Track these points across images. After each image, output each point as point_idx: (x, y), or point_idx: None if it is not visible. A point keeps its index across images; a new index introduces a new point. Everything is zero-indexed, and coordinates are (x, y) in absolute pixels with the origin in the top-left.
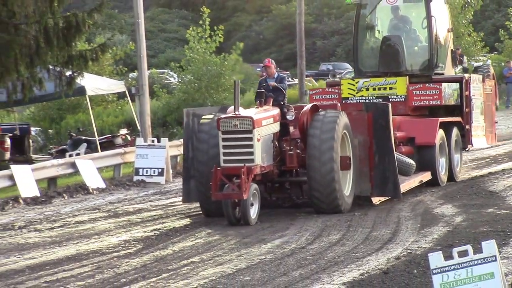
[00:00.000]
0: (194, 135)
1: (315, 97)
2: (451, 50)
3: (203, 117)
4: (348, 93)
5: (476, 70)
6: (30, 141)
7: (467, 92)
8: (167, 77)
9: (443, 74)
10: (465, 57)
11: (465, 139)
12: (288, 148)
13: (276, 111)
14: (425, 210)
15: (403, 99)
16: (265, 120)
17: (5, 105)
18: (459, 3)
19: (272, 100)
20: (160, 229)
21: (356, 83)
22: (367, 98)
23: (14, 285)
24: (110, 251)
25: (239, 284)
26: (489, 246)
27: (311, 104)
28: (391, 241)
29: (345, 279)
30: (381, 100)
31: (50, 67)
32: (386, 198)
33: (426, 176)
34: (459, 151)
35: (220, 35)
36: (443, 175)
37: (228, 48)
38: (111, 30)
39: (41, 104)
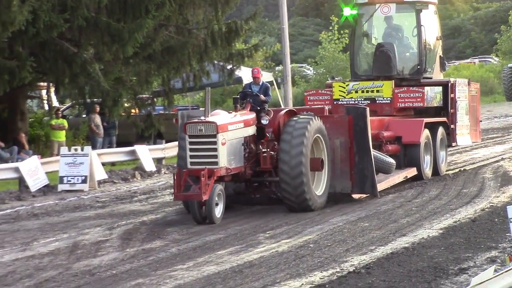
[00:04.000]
0: None
1: (310, 98)
2: (440, 56)
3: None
4: (339, 95)
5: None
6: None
7: (452, 95)
8: (305, 70)
9: (431, 78)
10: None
11: (450, 137)
12: (263, 150)
13: (251, 115)
14: (504, 173)
15: (388, 101)
16: (233, 125)
17: (180, 91)
18: None
19: (250, 105)
20: None
21: (347, 85)
22: (356, 99)
23: None
24: None
25: (359, 229)
26: None
27: (286, 109)
28: (477, 196)
29: (441, 225)
30: (368, 102)
31: (215, 62)
32: (366, 195)
33: (412, 172)
34: (444, 148)
35: (346, 38)
36: (427, 170)
37: None
38: (262, 33)
39: None
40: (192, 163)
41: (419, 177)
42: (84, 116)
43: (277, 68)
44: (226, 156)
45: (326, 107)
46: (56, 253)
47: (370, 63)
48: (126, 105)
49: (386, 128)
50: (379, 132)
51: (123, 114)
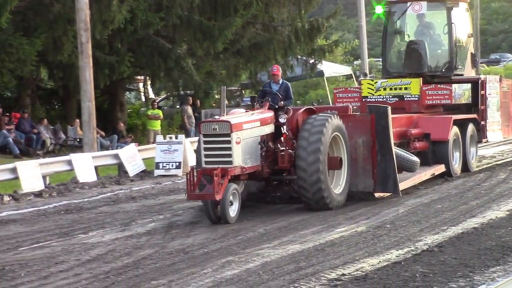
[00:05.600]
0: None
1: (339, 95)
2: (471, 53)
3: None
4: (368, 92)
5: None
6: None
7: (482, 92)
8: (381, 64)
9: (462, 75)
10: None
11: (481, 134)
12: (281, 148)
13: (269, 114)
14: None
15: (416, 98)
16: (248, 124)
17: None
18: None
19: (268, 104)
20: None
21: (375, 83)
22: (384, 97)
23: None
24: None
25: (432, 210)
26: None
27: (305, 107)
28: None
29: (509, 207)
30: (397, 99)
31: (299, 56)
32: (388, 194)
33: (440, 169)
34: (474, 144)
35: None
36: (456, 167)
37: None
38: (342, 30)
39: (292, 82)
40: (206, 162)
41: (447, 173)
42: (177, 107)
43: (355, 62)
44: (241, 155)
45: (351, 106)
46: (153, 233)
47: (402, 60)
48: (216, 96)
49: (414, 125)
50: (407, 129)
51: (214, 105)
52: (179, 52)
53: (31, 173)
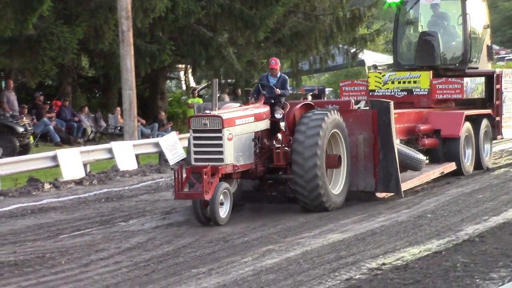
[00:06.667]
0: None
1: (345, 89)
2: (487, 45)
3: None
4: (375, 86)
5: None
6: (325, 98)
7: (498, 86)
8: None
9: (477, 68)
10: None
11: (495, 130)
12: (276, 146)
13: (264, 109)
14: None
15: (426, 92)
16: (241, 119)
17: (308, 72)
18: None
19: (264, 98)
20: None
21: (383, 76)
22: (392, 91)
23: None
24: None
25: (473, 200)
26: None
27: (303, 102)
28: None
29: None
30: (405, 93)
31: (340, 46)
32: (391, 194)
33: (449, 167)
34: (489, 141)
35: None
36: (468, 165)
37: None
38: (383, 19)
39: (333, 72)
40: (196, 160)
41: (458, 172)
42: (218, 95)
43: None
44: (233, 152)
45: (353, 100)
46: (193, 221)
47: (414, 52)
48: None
49: (424, 121)
50: (416, 125)
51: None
52: (220, 41)
53: (72, 161)
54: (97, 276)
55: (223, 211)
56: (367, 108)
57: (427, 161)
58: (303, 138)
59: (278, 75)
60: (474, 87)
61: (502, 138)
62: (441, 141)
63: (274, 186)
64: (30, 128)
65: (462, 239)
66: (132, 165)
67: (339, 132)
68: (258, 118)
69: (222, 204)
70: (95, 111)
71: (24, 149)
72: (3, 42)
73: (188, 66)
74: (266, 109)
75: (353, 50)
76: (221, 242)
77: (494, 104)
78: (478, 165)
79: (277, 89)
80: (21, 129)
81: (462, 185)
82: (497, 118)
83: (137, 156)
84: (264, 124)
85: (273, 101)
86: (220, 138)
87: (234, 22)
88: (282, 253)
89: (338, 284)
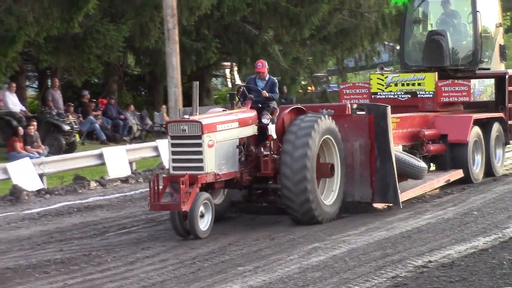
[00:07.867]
0: None
1: (345, 91)
2: (500, 45)
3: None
4: (377, 88)
5: None
6: None
7: (510, 88)
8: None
9: (489, 69)
10: None
11: (508, 134)
12: (264, 153)
13: (250, 114)
14: None
15: (431, 95)
16: (223, 125)
17: (353, 69)
18: None
19: (251, 102)
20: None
21: (385, 78)
22: (395, 93)
23: None
24: None
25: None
26: None
27: (292, 106)
28: None
29: None
30: (409, 96)
31: (385, 43)
32: (389, 204)
33: (456, 174)
34: (501, 146)
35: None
36: (477, 172)
37: None
38: None
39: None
40: (174, 168)
41: (467, 180)
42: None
43: None
44: (215, 160)
45: (349, 104)
46: (239, 220)
47: (421, 52)
48: (303, 82)
49: (430, 125)
50: (420, 130)
51: (300, 91)
52: (266, 38)
53: (118, 159)
54: (143, 274)
55: (204, 224)
56: (363, 113)
57: (433, 168)
58: (292, 149)
59: (267, 78)
60: (482, 89)
61: None
62: (448, 147)
63: (263, 196)
64: (76, 126)
65: (508, 236)
66: None
67: (332, 138)
68: (243, 123)
69: (202, 216)
70: (140, 109)
71: (70, 147)
72: (50, 40)
73: (234, 64)
74: (252, 113)
75: (398, 47)
76: (267, 240)
77: (507, 107)
78: (489, 171)
79: (264, 92)
80: (67, 127)
81: (508, 183)
82: (510, 122)
83: None
84: (251, 130)
85: (260, 105)
86: (199, 145)
87: (279, 19)
88: (328, 251)
89: (384, 281)
